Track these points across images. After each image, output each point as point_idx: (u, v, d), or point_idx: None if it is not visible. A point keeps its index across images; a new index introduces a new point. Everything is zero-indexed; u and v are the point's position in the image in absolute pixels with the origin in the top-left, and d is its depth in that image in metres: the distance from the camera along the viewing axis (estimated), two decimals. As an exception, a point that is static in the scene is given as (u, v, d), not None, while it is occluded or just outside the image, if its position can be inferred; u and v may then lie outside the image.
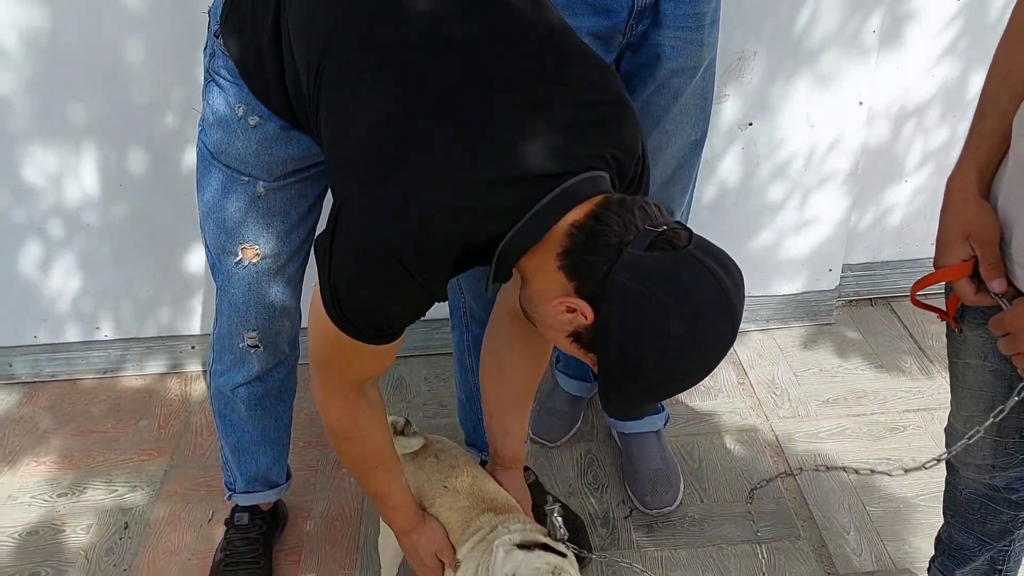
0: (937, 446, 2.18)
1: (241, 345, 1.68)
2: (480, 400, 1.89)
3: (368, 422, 1.45)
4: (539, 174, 1.12)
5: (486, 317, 1.81)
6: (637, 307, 1.06)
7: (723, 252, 1.13)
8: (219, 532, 2.00)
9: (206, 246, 1.61)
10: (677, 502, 2.06)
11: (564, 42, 1.25)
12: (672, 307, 1.05)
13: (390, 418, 1.61)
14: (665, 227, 1.09)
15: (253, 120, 1.41)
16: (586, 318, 1.11)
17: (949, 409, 1.49)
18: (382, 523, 1.68)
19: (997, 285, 1.15)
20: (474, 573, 1.50)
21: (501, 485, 1.66)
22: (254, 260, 1.56)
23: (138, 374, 2.58)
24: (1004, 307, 1.15)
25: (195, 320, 2.54)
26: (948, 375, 1.45)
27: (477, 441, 1.98)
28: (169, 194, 2.31)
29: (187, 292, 2.49)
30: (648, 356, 1.07)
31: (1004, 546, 1.52)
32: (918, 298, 1.31)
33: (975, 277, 1.18)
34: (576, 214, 1.12)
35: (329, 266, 1.19)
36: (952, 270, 1.19)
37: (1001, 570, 1.56)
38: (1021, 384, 1.19)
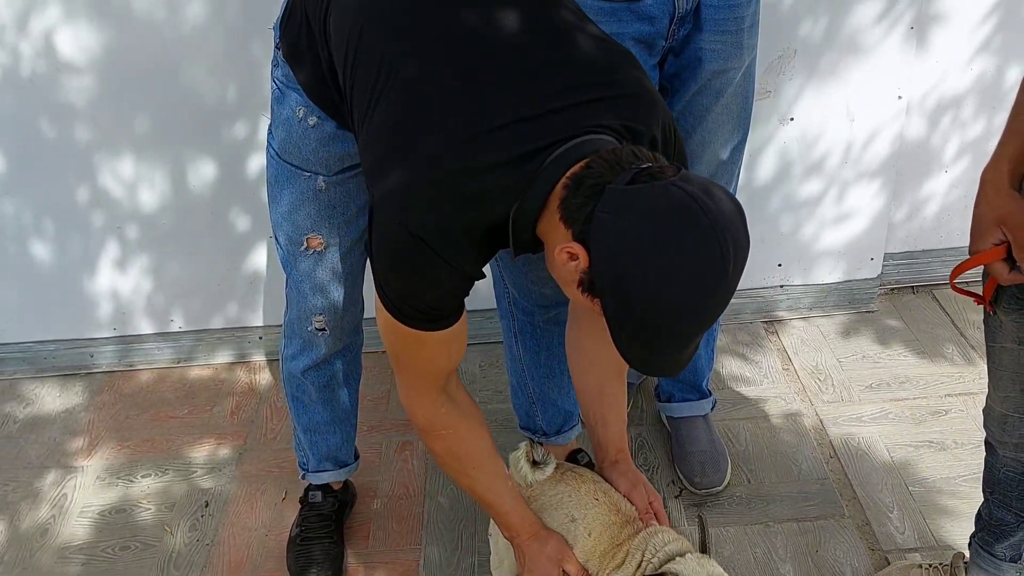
0: (978, 429, 2.24)
1: (309, 329, 1.81)
2: (532, 383, 2.01)
3: (454, 420, 1.52)
4: (539, 148, 1.18)
5: (529, 305, 1.92)
6: (616, 238, 1.09)
7: (715, 184, 1.12)
8: (292, 510, 2.14)
9: (276, 239, 1.75)
10: (725, 482, 2.16)
11: (569, 33, 1.31)
12: (647, 233, 1.07)
13: (523, 447, 1.62)
14: (650, 164, 1.11)
15: (312, 120, 1.55)
16: (583, 261, 1.14)
17: (985, 401, 1.56)
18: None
19: None
20: None
21: (612, 482, 1.66)
22: (319, 249, 1.69)
23: (208, 363, 2.74)
24: None
25: (260, 313, 2.69)
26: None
27: (531, 424, 2.10)
28: (236, 196, 2.47)
29: (253, 287, 2.63)
30: (633, 287, 1.08)
31: (1042, 521, 1.60)
32: (957, 284, 1.39)
33: (1008, 260, 1.26)
34: (574, 169, 1.17)
35: (372, 259, 1.32)
36: (987, 254, 1.28)
37: (1039, 544, 1.64)
38: None
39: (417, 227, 1.22)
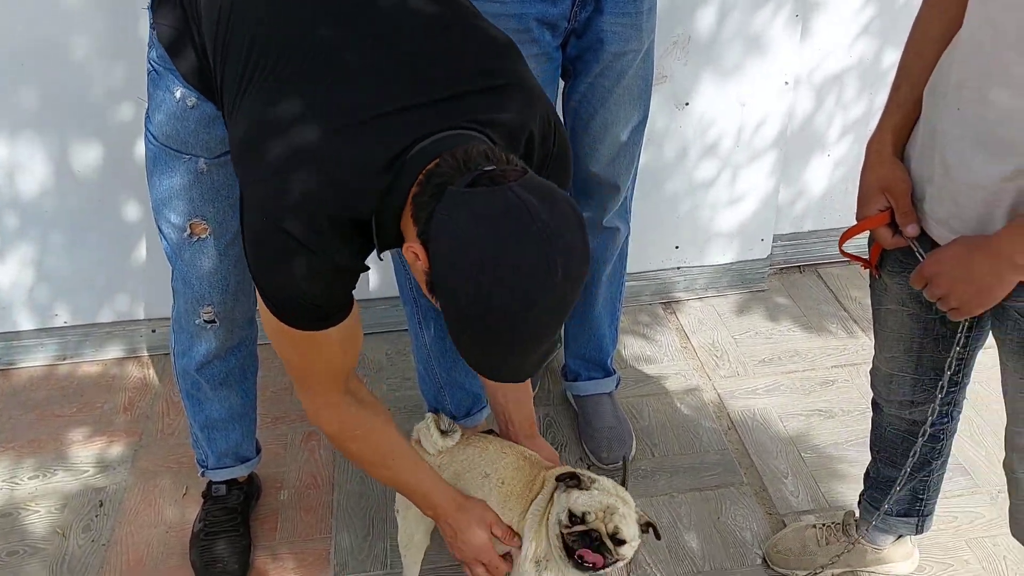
0: (862, 397, 2.38)
1: (197, 322, 1.75)
2: (439, 367, 2.00)
3: (364, 419, 1.51)
4: (403, 143, 1.16)
5: None
6: (449, 241, 1.09)
7: (555, 190, 1.12)
8: (194, 506, 2.07)
9: (159, 227, 1.67)
10: (631, 456, 2.21)
11: (445, 23, 1.28)
12: (477, 238, 1.06)
13: (430, 416, 1.66)
14: (494, 167, 1.09)
15: (191, 101, 1.49)
16: (423, 261, 1.13)
17: (872, 362, 1.66)
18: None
19: (911, 230, 1.32)
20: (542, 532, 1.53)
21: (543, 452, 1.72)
22: (203, 236, 1.63)
23: (97, 359, 2.61)
24: (920, 257, 1.32)
25: (151, 305, 2.58)
26: (871, 331, 1.61)
27: (439, 408, 2.09)
28: (123, 182, 2.36)
29: (144, 278, 2.52)
30: (464, 293, 1.08)
31: (924, 476, 1.71)
32: (845, 249, 1.46)
33: (892, 225, 1.34)
34: (429, 166, 1.15)
35: (246, 255, 1.28)
36: (872, 220, 1.36)
37: (922, 499, 1.75)
38: (964, 321, 1.36)
39: (285, 222, 1.18)
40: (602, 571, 1.50)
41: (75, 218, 2.40)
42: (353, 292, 1.33)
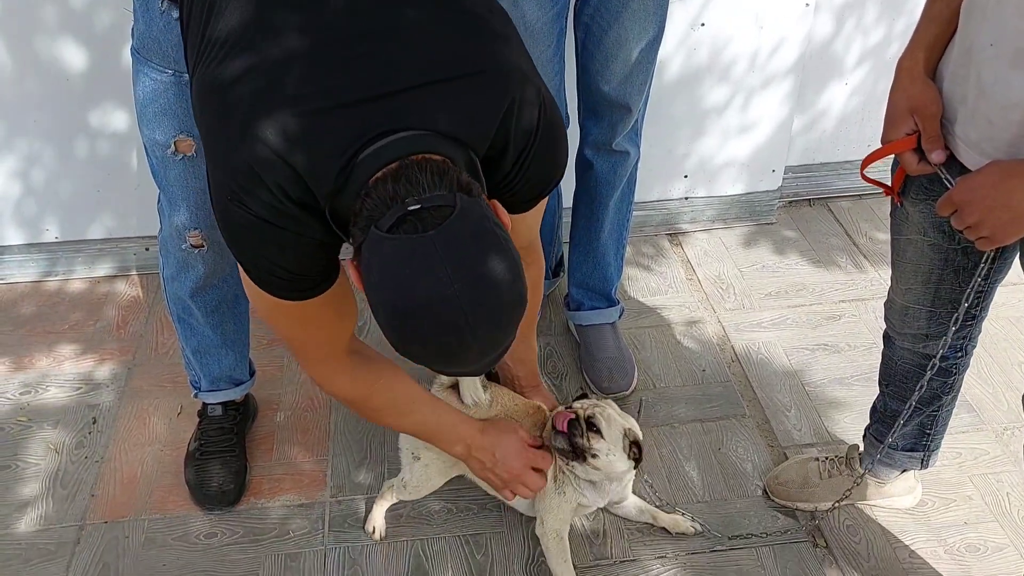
0: (869, 332, 2.35)
1: (183, 247, 1.68)
2: None
3: (376, 373, 1.51)
4: (352, 144, 1.10)
5: None
6: (370, 280, 1.06)
7: (482, 238, 1.05)
8: (189, 425, 2.04)
9: (144, 144, 1.60)
10: (632, 387, 2.18)
11: (415, 9, 1.18)
12: (388, 288, 1.04)
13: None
14: (420, 206, 1.03)
15: (176, 13, 1.40)
16: (357, 282, 1.12)
17: (884, 295, 1.61)
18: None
19: (936, 156, 1.26)
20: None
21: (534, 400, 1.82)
22: (189, 153, 1.55)
23: (89, 276, 2.56)
24: (948, 184, 1.25)
25: (144, 222, 2.51)
26: (880, 265, 1.55)
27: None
28: (111, 93, 2.26)
29: (136, 193, 2.45)
30: (383, 326, 1.07)
31: (933, 411, 1.68)
32: (866, 174, 1.40)
33: (918, 150, 1.28)
34: (373, 178, 1.08)
35: (221, 231, 1.22)
36: (898, 144, 1.29)
37: (929, 433, 1.72)
38: (986, 254, 1.31)
39: (243, 197, 1.13)
40: (586, 453, 1.62)
41: (63, 130, 2.31)
42: (339, 258, 1.27)
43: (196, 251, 1.69)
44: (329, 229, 1.17)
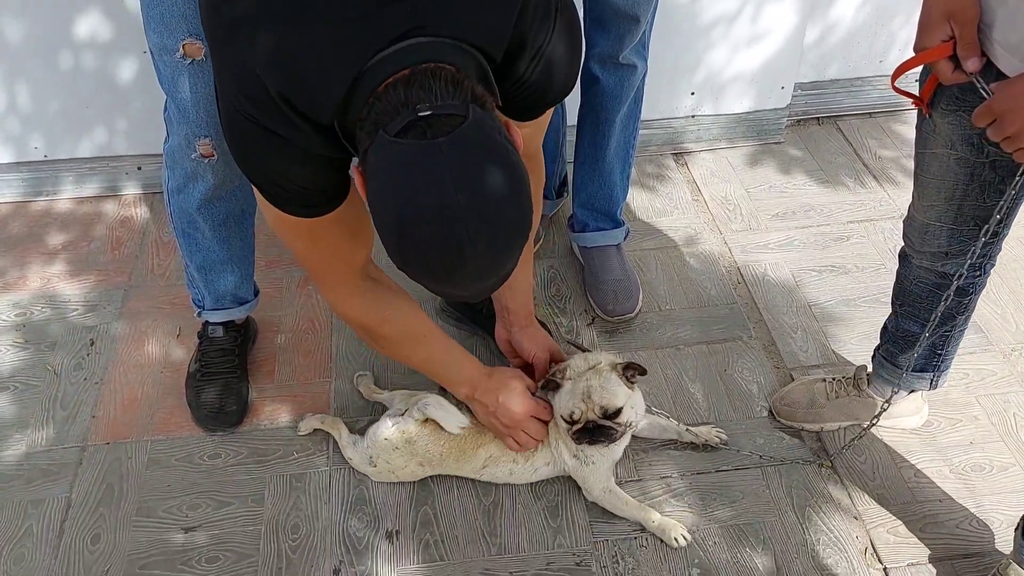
0: (878, 253, 2.31)
1: (194, 156, 1.63)
2: None
3: (390, 300, 1.51)
4: (360, 54, 1.06)
5: None
6: (375, 186, 1.03)
7: (492, 150, 1.01)
8: (188, 346, 2.01)
9: (150, 50, 1.53)
10: (637, 310, 2.16)
11: None
12: (392, 195, 1.01)
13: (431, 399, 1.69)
14: (431, 113, 1.00)
15: None
16: (361, 189, 1.09)
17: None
18: None
19: (972, 64, 1.20)
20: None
21: (520, 345, 1.77)
22: (198, 57, 1.49)
23: (79, 196, 2.49)
24: (985, 93, 1.19)
25: (138, 140, 2.44)
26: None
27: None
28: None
29: (129, 110, 2.37)
30: (383, 234, 1.04)
31: (946, 331, 1.65)
32: (897, 85, 1.34)
33: (953, 58, 1.22)
34: (383, 84, 1.04)
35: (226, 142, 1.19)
36: (932, 52, 1.22)
37: (940, 354, 1.70)
38: (1022, 167, 1.26)
39: (258, 116, 1.10)
40: (624, 432, 1.65)
41: (47, 41, 2.21)
42: (348, 175, 1.24)
43: (206, 161, 1.64)
44: (337, 144, 1.13)
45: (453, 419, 1.66)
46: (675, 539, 1.65)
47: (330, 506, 1.73)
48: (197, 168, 1.65)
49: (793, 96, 2.67)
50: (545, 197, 2.28)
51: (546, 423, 1.69)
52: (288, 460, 1.81)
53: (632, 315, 2.15)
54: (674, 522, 1.67)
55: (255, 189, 1.24)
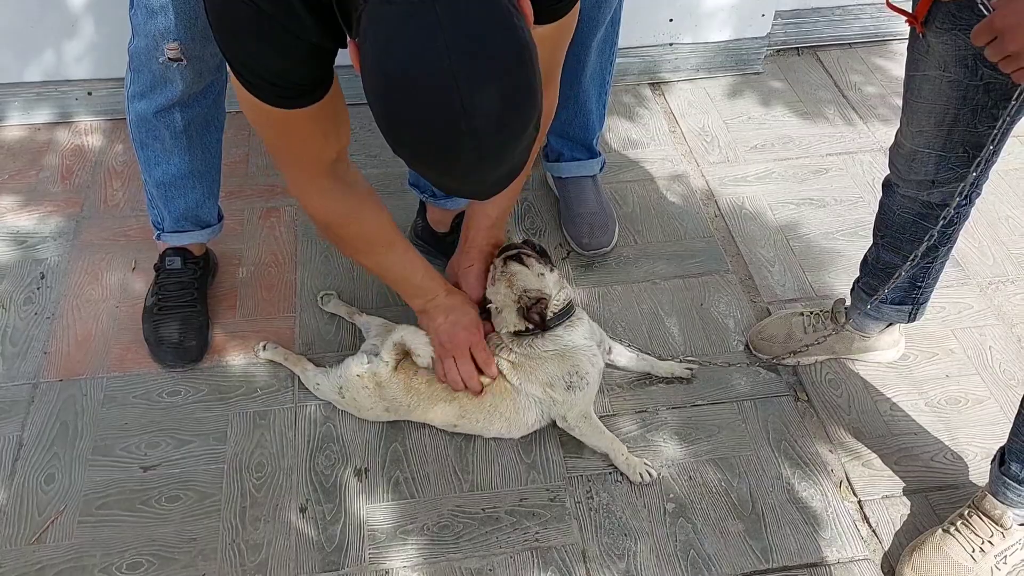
0: (857, 186, 2.27)
1: (161, 60, 1.53)
2: None
3: (355, 204, 1.47)
4: None
5: None
6: (367, 53, 0.95)
7: (492, 15, 0.92)
8: (145, 280, 1.93)
9: None
10: (613, 243, 2.10)
11: None
12: (384, 61, 0.92)
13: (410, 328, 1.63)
14: None
15: None
16: (356, 64, 1.01)
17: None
18: None
19: None
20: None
21: (464, 284, 1.70)
22: None
23: (26, 123, 2.36)
24: (985, 9, 1.13)
25: (88, 63, 2.30)
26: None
27: (420, 182, 1.93)
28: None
29: (79, 31, 2.23)
30: (374, 108, 0.96)
31: (927, 263, 1.62)
32: (892, 1, 1.27)
33: None
34: None
35: (208, 22, 1.14)
36: None
37: (920, 286, 1.67)
38: (1019, 90, 1.20)
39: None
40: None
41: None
42: (332, 71, 1.21)
43: (174, 66, 1.54)
44: (331, 26, 1.08)
45: (425, 348, 1.60)
46: (640, 475, 1.62)
47: (296, 444, 1.68)
48: (165, 73, 1.56)
49: (773, 25, 2.58)
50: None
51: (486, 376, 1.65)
52: (251, 397, 1.75)
53: (608, 249, 2.09)
54: (638, 459, 1.64)
55: (232, 76, 1.19)
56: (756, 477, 1.65)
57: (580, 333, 1.66)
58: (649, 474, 1.63)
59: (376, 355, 1.64)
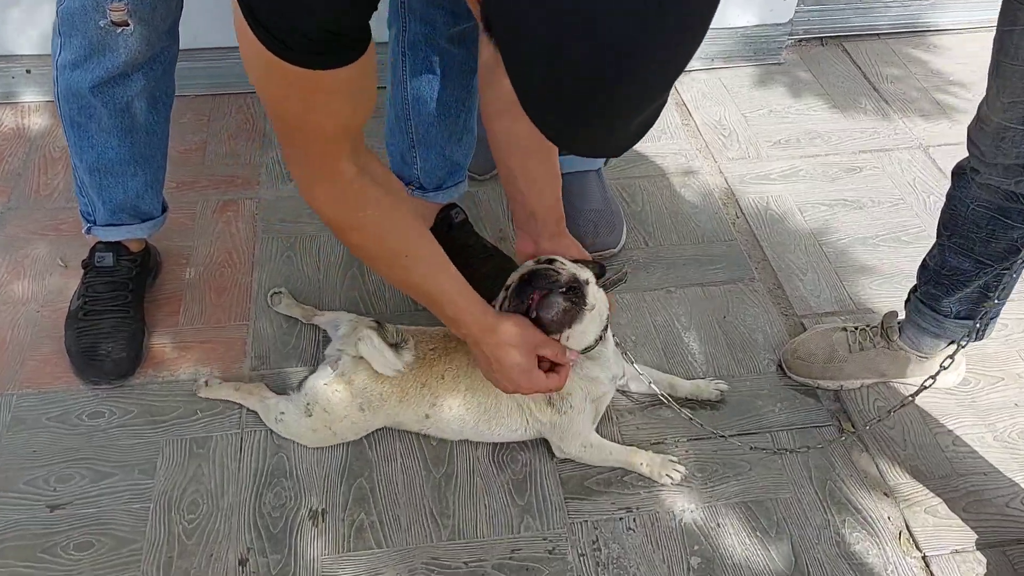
0: (896, 186, 2.00)
1: (102, 23, 1.27)
2: (415, 118, 1.55)
3: (376, 197, 1.16)
4: None
5: (430, 10, 1.45)
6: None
7: None
8: (73, 280, 1.63)
9: None
10: (620, 244, 1.83)
11: None
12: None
13: (366, 329, 1.33)
14: None
15: None
16: None
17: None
18: None
19: None
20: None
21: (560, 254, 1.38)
22: None
23: (-43, 105, 2.08)
24: None
25: (28, 39, 2.03)
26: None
27: (404, 172, 1.65)
28: None
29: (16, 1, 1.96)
30: (527, 30, 0.74)
31: (1004, 268, 1.34)
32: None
33: None
34: None
35: None
36: None
37: (991, 296, 1.39)
38: None
39: None
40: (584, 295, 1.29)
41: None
42: (369, 27, 0.99)
43: (117, 30, 1.28)
44: None
45: (384, 359, 1.32)
46: (669, 476, 1.40)
47: (240, 478, 1.38)
48: (105, 39, 1.29)
49: (796, 12, 2.33)
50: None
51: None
52: (189, 421, 1.46)
53: (615, 250, 1.82)
54: (663, 457, 1.42)
55: (242, 24, 0.92)
56: (798, 526, 1.36)
57: (596, 365, 1.38)
58: (678, 471, 1.41)
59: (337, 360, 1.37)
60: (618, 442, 1.45)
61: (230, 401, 1.47)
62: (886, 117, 2.20)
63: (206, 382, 1.48)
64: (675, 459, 1.43)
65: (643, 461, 1.41)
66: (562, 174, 1.87)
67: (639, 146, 2.08)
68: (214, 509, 1.34)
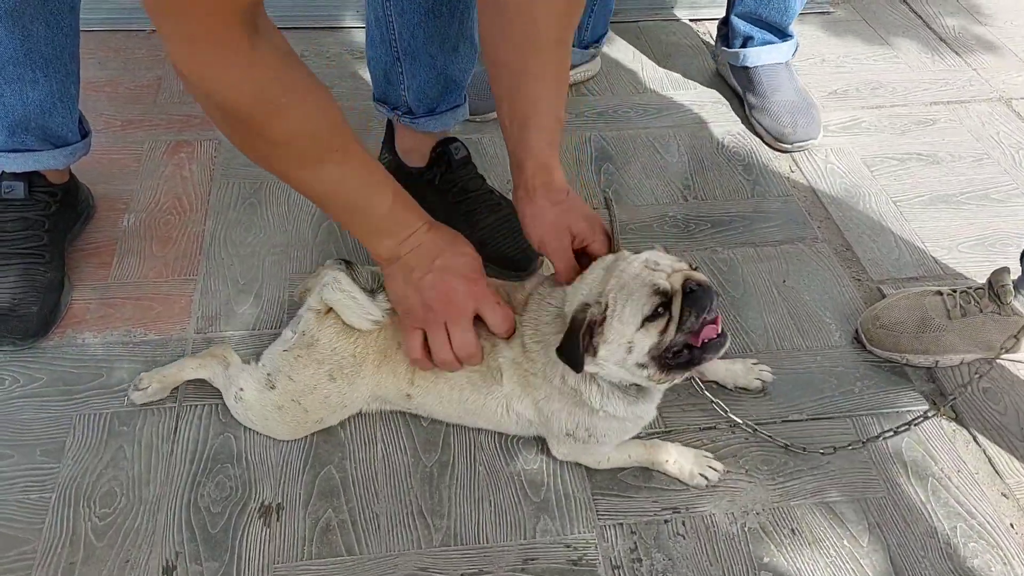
0: (976, 140, 1.70)
1: None
2: (400, 25, 1.24)
3: (291, 82, 0.85)
4: None
5: None
6: None
7: None
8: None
9: None
10: (820, 134, 1.66)
11: None
12: None
13: (330, 267, 1.05)
14: None
15: None
16: None
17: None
18: None
19: None
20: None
21: (526, 229, 1.06)
22: None
23: None
24: None
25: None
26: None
27: (389, 95, 1.34)
28: None
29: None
30: None
31: None
32: None
33: None
34: None
35: None
36: None
37: None
38: None
39: None
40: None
41: None
42: None
43: None
44: None
45: (357, 305, 1.01)
46: (702, 476, 1.09)
47: (171, 464, 1.06)
48: None
49: (847, -45, 2.05)
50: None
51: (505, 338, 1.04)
52: (112, 391, 1.14)
53: (815, 140, 1.66)
54: (696, 452, 1.10)
55: None
56: (897, 533, 1.04)
57: (647, 400, 1.04)
58: (714, 469, 1.09)
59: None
60: (658, 428, 1.14)
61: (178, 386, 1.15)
62: (954, 67, 1.91)
63: (147, 381, 1.12)
64: (709, 455, 1.11)
65: (670, 458, 1.09)
66: (753, 68, 1.71)
67: (675, 95, 1.80)
68: (135, 502, 1.02)
